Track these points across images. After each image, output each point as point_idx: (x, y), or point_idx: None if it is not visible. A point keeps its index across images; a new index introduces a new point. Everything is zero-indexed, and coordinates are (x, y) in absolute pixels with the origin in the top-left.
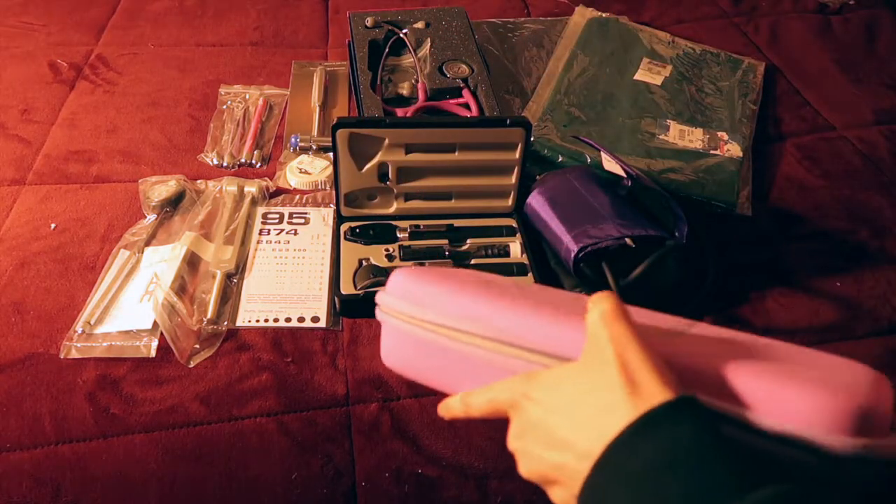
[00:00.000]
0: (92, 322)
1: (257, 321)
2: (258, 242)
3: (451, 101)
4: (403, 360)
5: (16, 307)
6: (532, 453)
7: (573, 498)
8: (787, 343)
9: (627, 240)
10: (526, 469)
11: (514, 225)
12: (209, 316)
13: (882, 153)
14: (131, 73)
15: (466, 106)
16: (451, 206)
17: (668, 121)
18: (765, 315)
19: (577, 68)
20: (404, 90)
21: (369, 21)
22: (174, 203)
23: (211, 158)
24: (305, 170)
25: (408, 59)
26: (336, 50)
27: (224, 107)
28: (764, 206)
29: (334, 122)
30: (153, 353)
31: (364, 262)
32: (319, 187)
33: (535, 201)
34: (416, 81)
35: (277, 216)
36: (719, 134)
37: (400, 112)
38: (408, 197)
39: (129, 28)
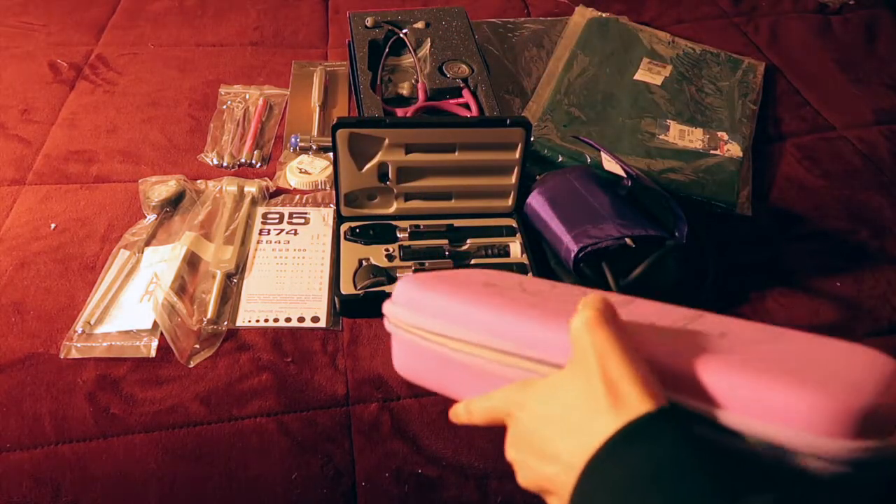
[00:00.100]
0: (92, 322)
1: (257, 321)
2: (258, 242)
3: (451, 101)
4: (414, 370)
5: (16, 307)
6: (527, 464)
7: None
8: (801, 333)
9: (627, 240)
10: (523, 479)
11: (514, 225)
12: (209, 316)
13: (882, 153)
14: (131, 73)
15: (466, 106)
16: (451, 206)
17: (668, 121)
18: (765, 315)
19: (577, 68)
20: (404, 90)
21: (369, 21)
22: (174, 203)
23: (211, 158)
24: (305, 170)
25: (408, 59)
26: (336, 50)
27: (224, 107)
28: (764, 206)
29: (334, 122)
30: (153, 353)
31: (364, 262)
32: (319, 187)
33: (535, 201)
34: (416, 81)
35: (277, 216)
36: (719, 134)
37: (400, 112)
38: (408, 197)
39: (129, 28)
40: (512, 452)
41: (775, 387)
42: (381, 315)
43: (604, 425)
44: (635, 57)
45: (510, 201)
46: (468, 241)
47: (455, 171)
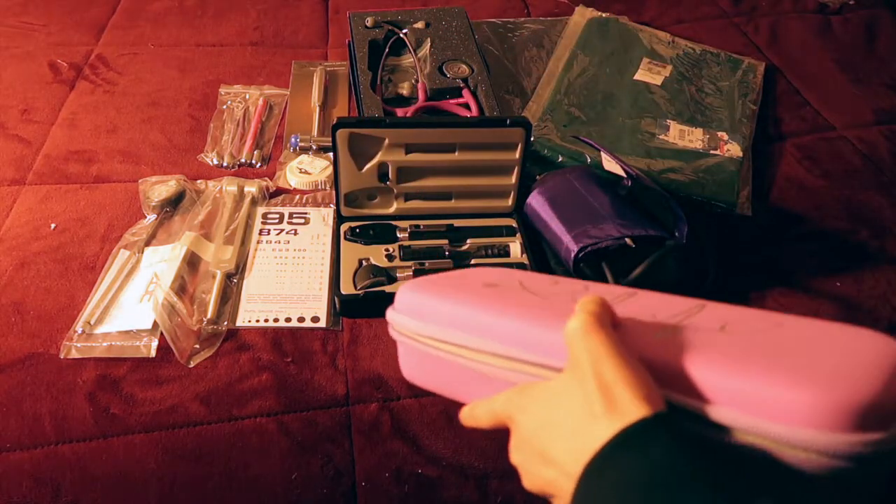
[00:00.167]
0: (92, 322)
1: (257, 321)
2: (258, 242)
3: (451, 101)
4: (421, 375)
5: (16, 307)
6: (529, 469)
7: None
8: (806, 319)
9: (627, 240)
10: (528, 483)
11: (514, 225)
12: (209, 316)
13: (882, 153)
14: (131, 73)
15: (466, 106)
16: (451, 206)
17: (668, 121)
18: None
19: (577, 68)
20: (404, 90)
21: (369, 21)
22: (174, 203)
23: (211, 158)
24: (305, 170)
25: (408, 59)
26: (336, 50)
27: (224, 107)
28: (764, 206)
29: (334, 122)
30: (153, 353)
31: (364, 262)
32: (319, 187)
33: (535, 201)
34: (416, 81)
35: (277, 216)
36: (719, 134)
37: (400, 112)
38: (408, 197)
39: (129, 28)
40: (515, 456)
41: (772, 382)
42: (381, 315)
43: (600, 431)
44: (635, 57)
45: (510, 201)
46: (468, 241)
47: (455, 171)
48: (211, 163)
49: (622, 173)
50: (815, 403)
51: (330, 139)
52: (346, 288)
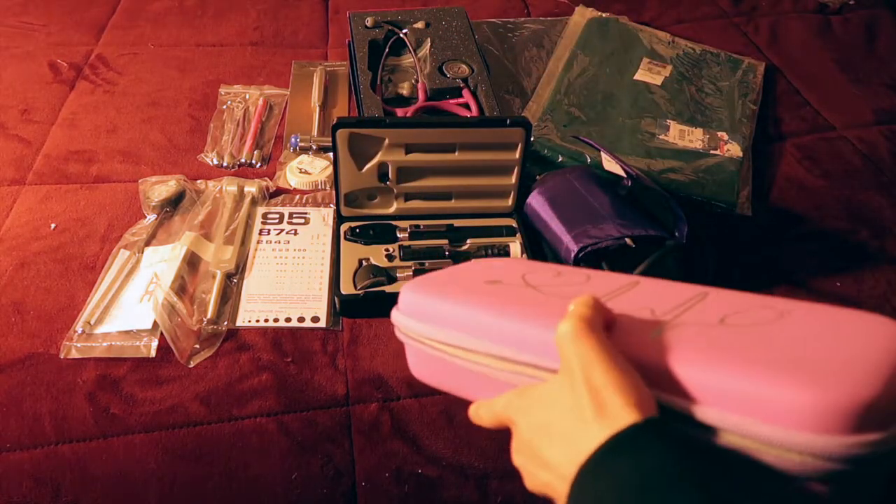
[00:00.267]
0: (92, 322)
1: (257, 321)
2: (258, 242)
3: (451, 101)
4: (429, 374)
5: (16, 307)
6: (529, 471)
7: None
8: (810, 306)
9: (627, 240)
10: (529, 484)
11: (514, 225)
12: (209, 316)
13: (882, 153)
14: (131, 73)
15: (466, 106)
16: (451, 206)
17: (668, 121)
18: None
19: (577, 68)
20: (404, 90)
21: (369, 21)
22: (174, 203)
23: (211, 158)
24: (305, 170)
25: (408, 59)
26: (336, 50)
27: (224, 107)
28: (764, 206)
29: (334, 122)
30: (153, 353)
31: (364, 262)
32: (319, 187)
33: (535, 201)
34: (416, 81)
35: (277, 216)
36: (719, 134)
37: (400, 112)
38: (408, 197)
39: (129, 28)
40: (516, 458)
41: (767, 382)
42: (381, 315)
43: (591, 436)
44: (635, 57)
45: (510, 201)
46: (468, 241)
47: (455, 171)
48: (211, 163)
49: (622, 173)
50: (812, 405)
51: (330, 139)
52: (346, 288)
